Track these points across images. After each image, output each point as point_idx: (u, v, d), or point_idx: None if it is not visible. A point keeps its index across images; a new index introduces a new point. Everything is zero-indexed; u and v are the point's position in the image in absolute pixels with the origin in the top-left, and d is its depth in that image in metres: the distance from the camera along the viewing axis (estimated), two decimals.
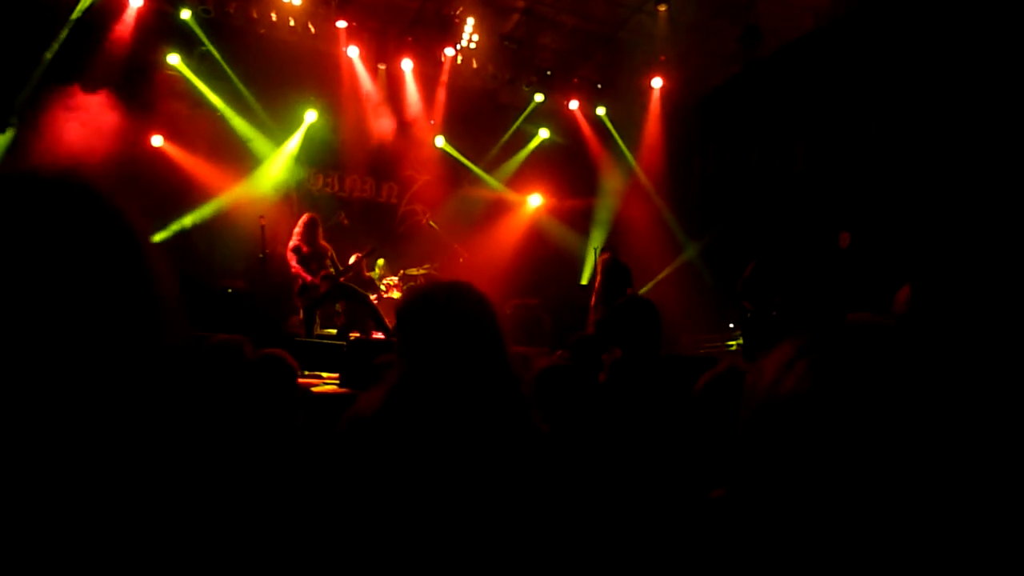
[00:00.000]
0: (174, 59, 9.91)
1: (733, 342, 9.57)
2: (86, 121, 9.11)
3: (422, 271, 10.64)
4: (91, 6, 9.19)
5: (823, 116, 9.25)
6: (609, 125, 12.71)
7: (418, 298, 1.64)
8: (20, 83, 8.90)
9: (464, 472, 1.33)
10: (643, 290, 11.94)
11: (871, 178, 8.49)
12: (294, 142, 11.13)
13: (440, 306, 1.58)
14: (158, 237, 9.41)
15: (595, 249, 10.56)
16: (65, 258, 0.87)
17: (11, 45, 8.66)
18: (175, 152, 10.02)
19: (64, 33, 9.12)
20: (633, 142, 12.56)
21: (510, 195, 12.93)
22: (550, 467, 1.43)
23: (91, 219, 0.91)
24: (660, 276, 11.89)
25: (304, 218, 8.48)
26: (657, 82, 11.64)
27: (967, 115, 7.30)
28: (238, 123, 10.56)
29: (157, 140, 9.91)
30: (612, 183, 12.93)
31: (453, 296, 1.61)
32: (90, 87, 9.23)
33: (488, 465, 1.34)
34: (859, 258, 8.41)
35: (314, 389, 5.03)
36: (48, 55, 9.04)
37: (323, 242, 8.48)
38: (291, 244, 8.35)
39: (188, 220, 9.96)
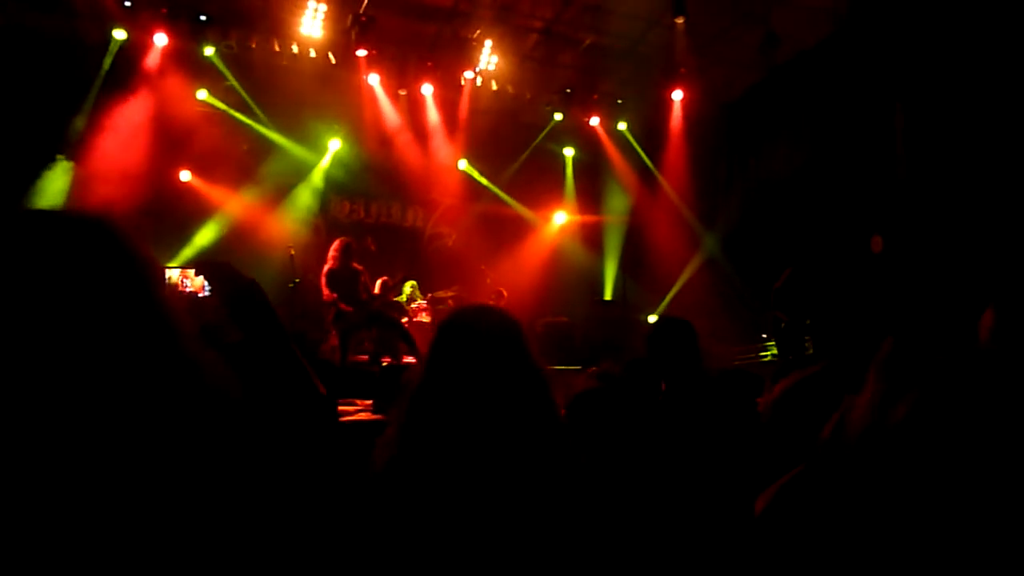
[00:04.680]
0: (202, 94, 10.10)
1: (767, 352, 9.43)
2: (119, 159, 9.31)
3: (450, 293, 10.66)
4: (122, 47, 9.44)
5: (847, 118, 9.14)
6: (631, 139, 12.68)
7: (449, 323, 1.60)
8: (65, 122, 9.17)
9: (495, 512, 1.28)
10: (668, 298, 11.94)
11: (901, 180, 8.35)
12: (320, 171, 11.27)
13: (473, 329, 1.53)
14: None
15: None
16: (79, 288, 0.95)
17: (56, 87, 8.94)
18: (203, 186, 10.20)
19: (101, 75, 9.40)
20: (656, 155, 12.52)
21: (534, 214, 12.93)
22: (587, 501, 1.38)
23: (105, 254, 0.99)
24: (682, 280, 11.83)
25: (338, 243, 8.55)
26: (678, 94, 11.59)
27: (997, 113, 7.17)
28: (265, 155, 10.72)
29: (185, 175, 10.08)
30: (637, 197, 12.89)
31: (486, 320, 1.56)
32: (122, 126, 9.45)
33: (521, 506, 1.29)
34: (892, 262, 8.26)
35: (348, 417, 5.02)
36: (92, 95, 9.33)
37: (356, 264, 8.54)
38: (325, 268, 8.41)
39: (217, 252, 10.11)
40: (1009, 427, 0.71)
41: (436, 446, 1.36)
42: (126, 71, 9.52)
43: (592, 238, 13.16)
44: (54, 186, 8.96)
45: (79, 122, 9.28)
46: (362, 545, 1.30)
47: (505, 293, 10.60)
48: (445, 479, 1.32)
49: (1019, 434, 0.71)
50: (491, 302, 10.22)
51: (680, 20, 9.69)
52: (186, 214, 10.05)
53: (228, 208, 10.30)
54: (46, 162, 8.99)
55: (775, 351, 8.60)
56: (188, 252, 9.90)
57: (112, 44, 9.40)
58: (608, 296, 12.67)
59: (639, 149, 12.71)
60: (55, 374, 0.88)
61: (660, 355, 3.03)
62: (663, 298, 12.14)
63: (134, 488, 0.89)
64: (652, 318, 11.89)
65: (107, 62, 9.44)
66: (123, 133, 9.45)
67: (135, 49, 9.56)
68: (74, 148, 9.19)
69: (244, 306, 1.35)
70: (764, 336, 9.58)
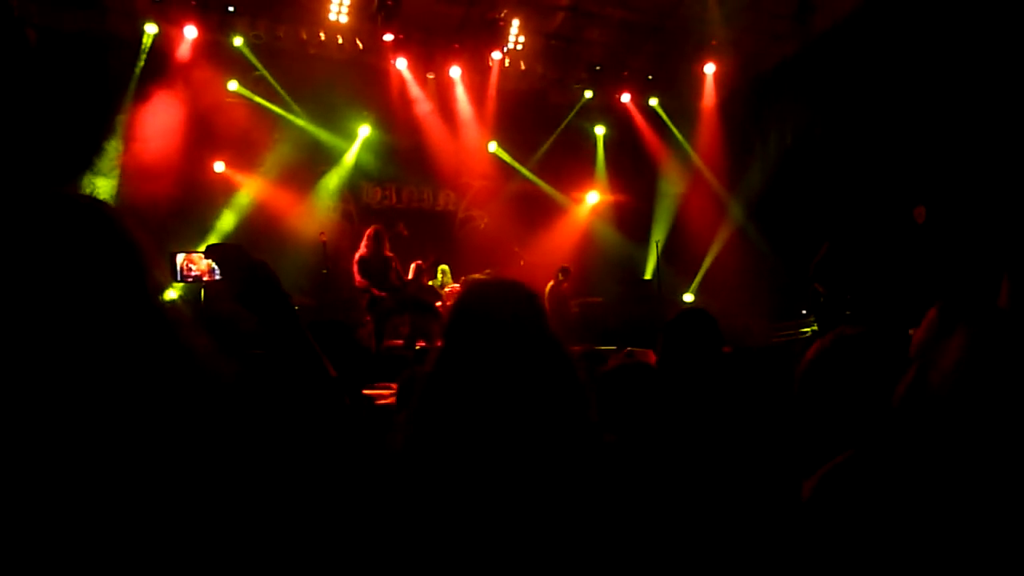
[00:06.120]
0: (232, 85, 10.18)
1: (807, 328, 9.25)
2: (157, 152, 9.44)
3: (483, 276, 10.63)
4: (153, 42, 9.55)
5: (887, 87, 8.86)
6: (663, 115, 12.48)
7: (457, 300, 1.56)
8: (108, 116, 9.30)
9: (507, 492, 1.24)
10: (700, 275, 11.83)
11: (942, 149, 8.09)
12: (350, 157, 11.31)
13: (475, 305, 1.48)
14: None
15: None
16: (68, 271, 0.94)
17: (94, 85, 9.08)
18: (235, 175, 10.30)
19: (138, 70, 9.52)
20: (689, 130, 12.32)
21: (566, 194, 12.83)
22: (614, 484, 1.33)
23: (96, 237, 0.98)
24: (711, 255, 11.70)
25: (370, 231, 8.60)
26: (710, 67, 11.37)
27: None
28: (295, 143, 10.77)
29: (219, 166, 10.18)
30: (670, 174, 12.72)
31: (492, 294, 1.51)
32: (158, 120, 9.58)
33: (541, 485, 1.25)
34: (937, 232, 8.02)
35: (382, 400, 5.05)
36: (131, 89, 9.46)
37: (387, 251, 8.57)
38: (357, 256, 8.46)
39: (248, 239, 10.21)
40: None
41: (449, 424, 1.32)
42: (159, 65, 9.62)
43: (625, 217, 13.01)
44: (101, 179, 9.12)
45: (121, 118, 9.43)
46: (375, 527, 1.28)
47: (571, 269, 10.57)
48: (456, 459, 1.29)
49: None
50: (557, 278, 10.25)
51: None
52: (220, 203, 10.17)
53: (259, 196, 10.39)
54: (91, 159, 9.14)
55: (816, 327, 8.43)
56: (215, 240, 10.02)
57: (145, 39, 9.51)
58: (648, 275, 12.55)
59: (671, 125, 12.51)
60: (42, 359, 0.87)
61: (679, 346, 2.98)
62: (696, 276, 12.04)
63: (123, 475, 0.88)
64: (688, 296, 11.77)
65: (143, 56, 9.54)
66: (159, 127, 9.58)
67: (166, 43, 9.65)
68: (120, 141, 9.36)
69: (254, 288, 1.33)
70: (803, 311, 9.40)
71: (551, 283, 10.35)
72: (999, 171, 7.24)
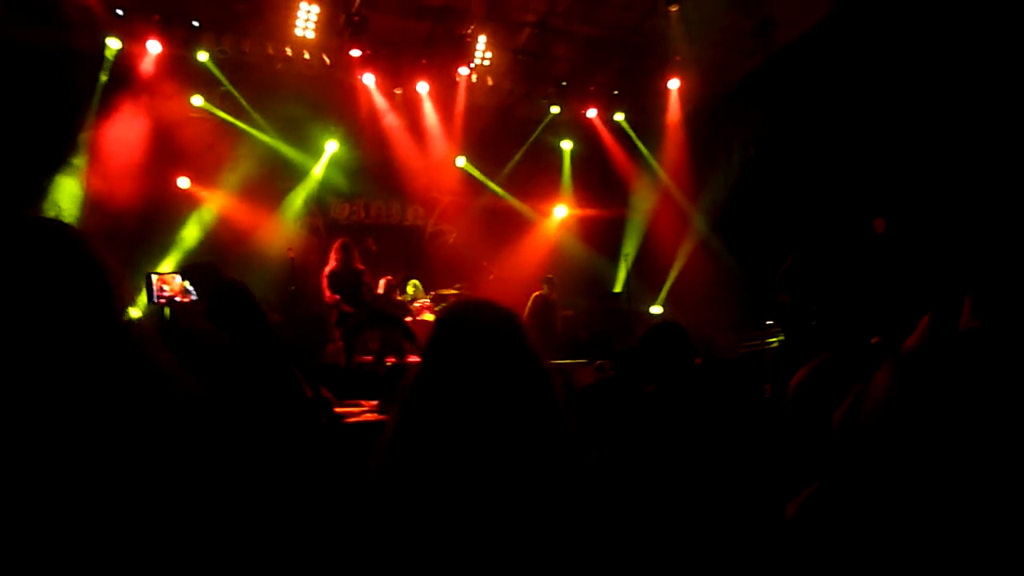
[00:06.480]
0: (197, 100, 10.08)
1: (774, 339, 9.37)
2: (120, 168, 9.31)
3: (453, 291, 10.63)
4: (116, 56, 9.43)
5: (847, 101, 9.06)
6: (629, 130, 12.63)
7: (445, 319, 1.55)
8: (68, 134, 9.14)
9: (492, 513, 1.24)
10: (666, 287, 11.96)
11: (900, 162, 8.29)
12: (318, 172, 11.25)
13: (456, 325, 1.49)
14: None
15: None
16: (32, 292, 0.96)
17: (56, 99, 8.92)
18: (200, 191, 10.19)
19: (100, 85, 9.39)
20: (654, 145, 12.47)
21: (534, 208, 12.89)
22: (599, 500, 1.33)
23: (61, 259, 0.99)
24: (676, 268, 11.86)
25: (337, 243, 8.54)
26: (674, 83, 11.53)
27: (1003, 91, 7.10)
28: (261, 159, 10.68)
29: (183, 181, 10.06)
30: (637, 188, 12.86)
31: (472, 314, 1.51)
32: (120, 135, 9.45)
33: (525, 504, 1.25)
34: (896, 243, 8.21)
35: (354, 418, 5.00)
36: (93, 104, 9.31)
37: (357, 265, 8.51)
38: (326, 270, 8.40)
39: (215, 256, 10.10)
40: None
41: (432, 445, 1.32)
42: (123, 80, 9.50)
43: (594, 231, 13.10)
44: (65, 194, 8.96)
45: (84, 133, 9.29)
46: (356, 545, 1.27)
47: (555, 279, 10.63)
48: (442, 478, 1.28)
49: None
50: (541, 290, 10.28)
51: (674, 8, 9.65)
52: (185, 220, 10.05)
53: (225, 212, 10.28)
54: (54, 174, 8.99)
55: (782, 337, 8.54)
56: (179, 257, 9.89)
57: (108, 53, 9.39)
58: (618, 288, 12.65)
59: (637, 140, 12.65)
60: (7, 376, 0.87)
61: (654, 360, 3.02)
62: (663, 288, 12.18)
63: (86, 491, 0.88)
64: (655, 308, 11.87)
65: (105, 71, 9.42)
66: (122, 141, 9.45)
67: (130, 58, 9.54)
68: (84, 156, 9.23)
69: (228, 307, 1.33)
70: (769, 322, 9.52)
71: (536, 293, 10.40)
72: (960, 183, 7.43)
